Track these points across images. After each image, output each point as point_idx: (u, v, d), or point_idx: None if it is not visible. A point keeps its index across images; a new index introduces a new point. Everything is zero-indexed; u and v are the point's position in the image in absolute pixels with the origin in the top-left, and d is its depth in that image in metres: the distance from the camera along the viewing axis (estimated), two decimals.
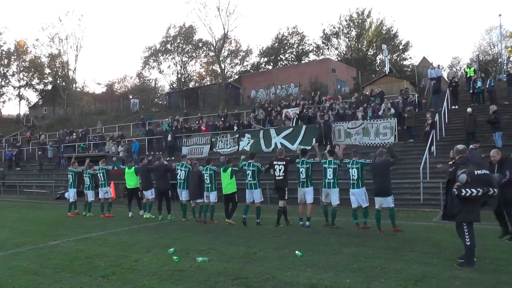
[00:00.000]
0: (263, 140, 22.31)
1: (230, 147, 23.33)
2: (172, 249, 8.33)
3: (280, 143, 21.48)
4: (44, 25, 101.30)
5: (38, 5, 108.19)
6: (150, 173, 14.34)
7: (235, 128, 24.78)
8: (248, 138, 22.85)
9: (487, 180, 6.47)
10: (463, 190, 6.32)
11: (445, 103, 20.88)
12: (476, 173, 6.43)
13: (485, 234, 9.37)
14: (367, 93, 25.45)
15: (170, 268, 7.07)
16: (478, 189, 6.30)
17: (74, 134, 34.24)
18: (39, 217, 15.42)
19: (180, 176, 13.26)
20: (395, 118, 19.45)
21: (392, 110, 19.94)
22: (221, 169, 12.09)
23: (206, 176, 12.29)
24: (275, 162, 11.47)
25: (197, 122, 28.81)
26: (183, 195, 13.32)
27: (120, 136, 30.88)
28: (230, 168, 11.93)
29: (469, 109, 17.59)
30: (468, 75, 22.83)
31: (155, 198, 14.24)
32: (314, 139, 20.48)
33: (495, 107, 16.80)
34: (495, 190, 6.46)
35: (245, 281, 6.15)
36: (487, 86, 20.54)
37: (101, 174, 15.15)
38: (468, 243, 6.51)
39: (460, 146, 7.14)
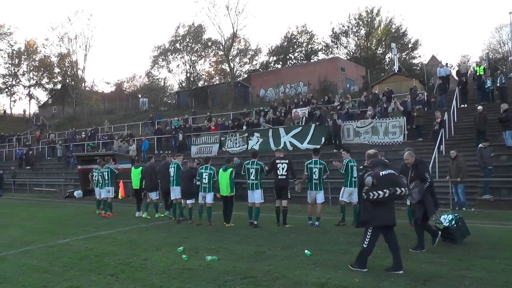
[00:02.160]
0: (272, 139, 22.26)
1: (239, 146, 23.33)
2: (181, 248, 8.37)
3: (289, 142, 21.48)
4: (54, 25, 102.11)
5: (47, 5, 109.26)
6: (155, 173, 14.08)
7: (244, 127, 24.77)
8: (257, 137, 22.83)
9: (393, 180, 6.21)
10: (371, 194, 6.15)
11: (454, 102, 20.73)
12: (381, 174, 6.20)
13: (493, 233, 9.35)
14: (376, 92, 25.33)
15: (179, 266, 7.09)
16: (385, 190, 6.09)
17: (83, 133, 34.51)
18: (49, 216, 15.56)
19: (170, 173, 13.09)
20: (404, 117, 19.34)
21: (401, 108, 19.85)
22: (221, 169, 11.71)
23: (205, 175, 11.87)
24: (277, 161, 11.14)
25: (206, 121, 28.83)
26: (174, 193, 13.01)
27: (129, 135, 31.02)
28: (230, 169, 11.64)
29: (479, 107, 17.32)
30: (477, 74, 22.61)
31: (159, 198, 14.22)
32: (323, 138, 20.48)
33: (506, 106, 16.49)
34: (403, 189, 6.17)
35: (254, 280, 6.15)
36: (498, 84, 20.33)
37: (105, 172, 15.21)
38: (366, 247, 6.41)
39: (371, 151, 6.93)
